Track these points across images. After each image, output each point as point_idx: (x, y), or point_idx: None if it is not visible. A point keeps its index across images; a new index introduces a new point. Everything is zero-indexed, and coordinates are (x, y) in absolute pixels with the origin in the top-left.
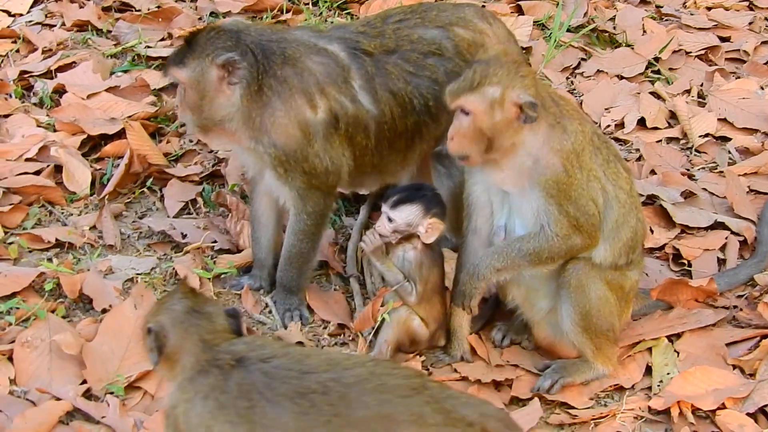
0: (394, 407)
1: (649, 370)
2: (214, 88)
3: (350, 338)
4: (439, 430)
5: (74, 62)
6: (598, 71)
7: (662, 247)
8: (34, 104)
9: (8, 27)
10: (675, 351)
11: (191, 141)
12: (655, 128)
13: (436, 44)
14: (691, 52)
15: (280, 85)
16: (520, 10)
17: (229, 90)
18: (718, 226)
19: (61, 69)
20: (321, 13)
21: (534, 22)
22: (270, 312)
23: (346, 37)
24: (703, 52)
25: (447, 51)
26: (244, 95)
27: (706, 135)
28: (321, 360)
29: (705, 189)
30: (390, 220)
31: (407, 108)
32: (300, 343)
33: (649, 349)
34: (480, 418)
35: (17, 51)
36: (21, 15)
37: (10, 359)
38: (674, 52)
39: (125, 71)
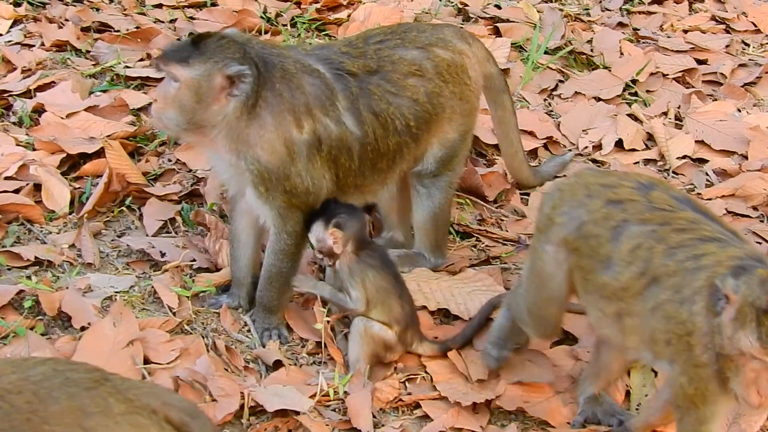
0: (82, 399)
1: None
2: (213, 96)
3: (329, 357)
4: (124, 418)
5: (53, 82)
6: (576, 93)
7: None
8: (14, 123)
9: None
10: (652, 370)
11: (170, 161)
12: (633, 150)
13: (416, 65)
14: (668, 75)
15: (274, 100)
16: (497, 32)
17: (226, 100)
18: None
19: (41, 88)
20: (299, 34)
21: (512, 44)
22: (249, 331)
23: (331, 57)
24: (680, 74)
25: (427, 72)
26: (238, 107)
27: (684, 157)
28: (4, 363)
29: None
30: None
31: (389, 129)
32: (278, 362)
33: (628, 372)
34: (162, 406)
35: None
36: (0, 35)
37: None
38: (651, 74)
39: (104, 91)
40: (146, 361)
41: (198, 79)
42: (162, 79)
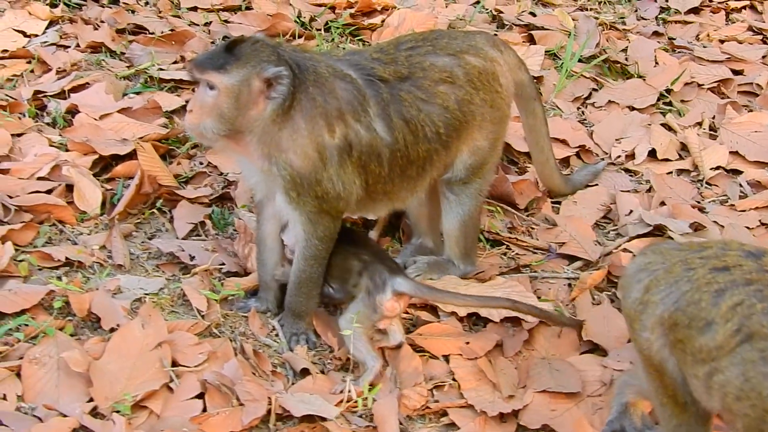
0: None
1: None
2: (252, 100)
3: (356, 364)
4: None
5: (87, 83)
6: (610, 102)
7: None
8: (47, 124)
9: (23, 47)
10: None
11: (201, 163)
12: (666, 160)
13: (447, 72)
14: (703, 85)
15: (308, 103)
16: (531, 40)
17: (264, 104)
18: None
19: (75, 90)
20: (333, 39)
21: (546, 51)
22: (277, 335)
23: (362, 63)
24: (715, 84)
25: (458, 79)
26: (275, 110)
27: (718, 168)
28: None
29: (715, 222)
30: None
31: (419, 135)
32: (305, 369)
33: None
34: None
35: (31, 71)
36: (36, 36)
37: (18, 375)
38: (686, 84)
39: (138, 93)
40: (174, 363)
41: (237, 84)
42: (193, 89)
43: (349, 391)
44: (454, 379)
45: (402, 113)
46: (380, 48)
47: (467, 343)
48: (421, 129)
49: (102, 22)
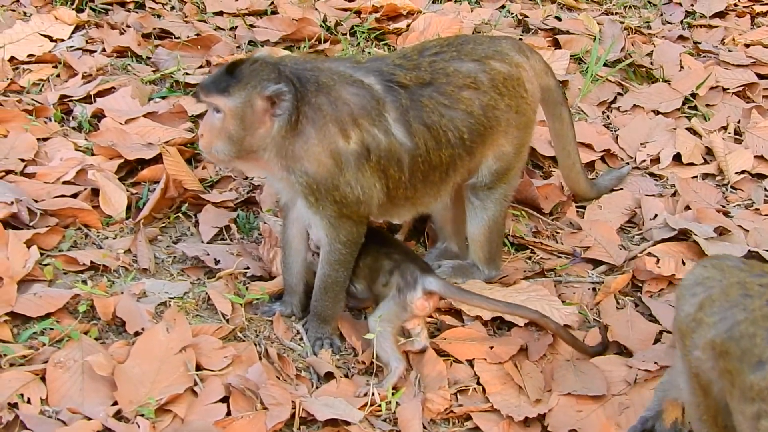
0: None
1: None
2: (258, 120)
3: (380, 368)
4: None
5: (113, 87)
6: (635, 106)
7: None
8: (73, 128)
9: (49, 52)
10: None
11: (227, 168)
12: (691, 164)
13: (471, 77)
14: (728, 89)
15: (314, 113)
16: (557, 44)
17: (270, 122)
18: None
19: (101, 94)
20: (358, 43)
21: (571, 56)
22: (301, 339)
23: (383, 69)
24: (740, 88)
25: (483, 84)
26: (283, 126)
27: (743, 172)
28: None
29: (740, 226)
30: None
31: (442, 141)
32: (329, 373)
33: None
34: None
35: (58, 76)
36: (62, 40)
37: (43, 379)
38: (711, 88)
39: (163, 97)
40: (198, 367)
41: (240, 106)
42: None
43: (373, 395)
44: (478, 383)
45: (423, 119)
46: (403, 54)
47: (492, 347)
48: (444, 134)
49: (128, 26)
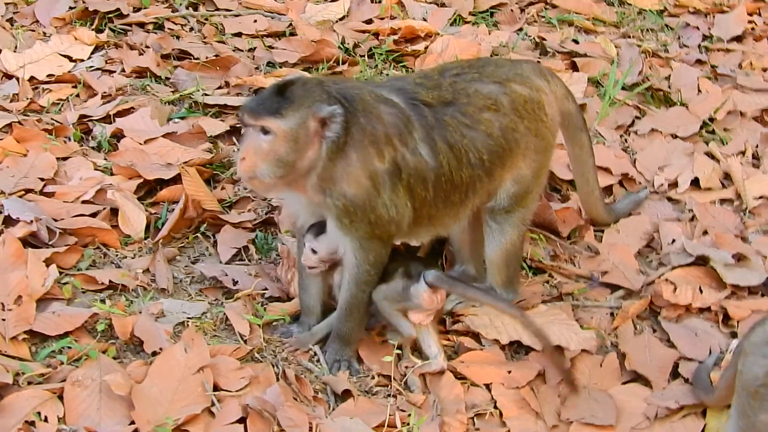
0: None
1: None
2: (309, 142)
3: (397, 390)
4: None
5: (133, 108)
6: (653, 130)
7: (710, 308)
8: (93, 148)
9: (69, 72)
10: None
11: (245, 188)
12: (709, 189)
13: (492, 99)
14: (746, 113)
15: (359, 135)
16: (574, 67)
17: (319, 143)
18: None
19: (120, 114)
20: (377, 65)
21: (588, 79)
22: (318, 360)
23: (406, 88)
24: (758, 113)
25: (503, 106)
26: (331, 148)
27: (761, 197)
28: None
29: (758, 252)
30: (314, 251)
31: (463, 161)
32: (347, 391)
33: (704, 412)
34: None
35: (77, 96)
36: (82, 60)
37: (61, 398)
38: (729, 112)
39: (182, 118)
40: (216, 387)
41: (294, 128)
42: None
43: (392, 416)
44: (495, 407)
45: (446, 138)
46: (424, 74)
47: (509, 371)
48: (465, 154)
49: (147, 47)
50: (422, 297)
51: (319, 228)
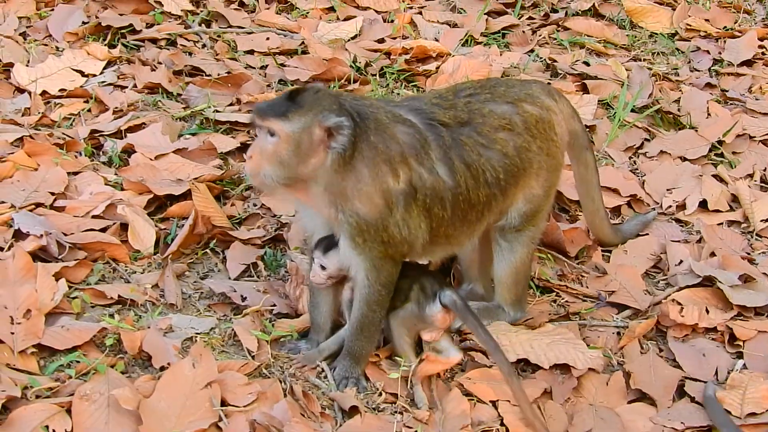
0: None
1: None
2: (313, 149)
3: (404, 408)
4: None
5: (144, 123)
6: (662, 152)
7: (716, 329)
8: (103, 163)
9: (81, 87)
10: None
11: (255, 205)
12: (717, 211)
13: (506, 119)
14: (755, 137)
15: (369, 152)
16: (585, 89)
17: (324, 153)
18: None
19: (131, 129)
20: (388, 84)
21: (599, 101)
22: (326, 377)
23: (422, 108)
24: (767, 137)
25: (517, 126)
26: (336, 160)
27: None
28: None
29: (765, 274)
30: (323, 267)
31: (480, 180)
32: (354, 407)
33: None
34: None
35: (89, 111)
36: (94, 76)
37: (69, 411)
38: (738, 136)
39: (193, 134)
40: (223, 403)
41: (297, 132)
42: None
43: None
44: (501, 424)
45: (463, 157)
46: (439, 94)
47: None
48: (482, 174)
49: (159, 63)
50: (437, 317)
51: (327, 243)
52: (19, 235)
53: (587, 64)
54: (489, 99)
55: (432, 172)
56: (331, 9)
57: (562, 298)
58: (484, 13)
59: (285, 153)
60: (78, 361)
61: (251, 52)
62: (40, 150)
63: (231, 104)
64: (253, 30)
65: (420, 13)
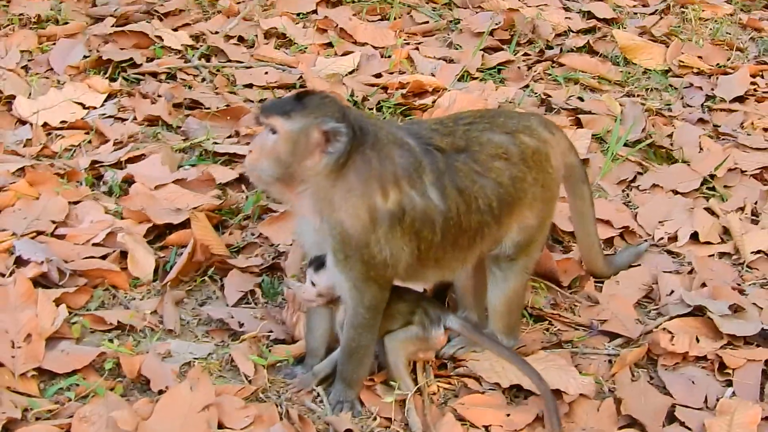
0: None
1: None
2: (309, 151)
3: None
4: None
5: (144, 154)
6: (654, 185)
7: (706, 357)
8: (104, 192)
9: (82, 119)
10: None
11: (253, 234)
12: (708, 243)
13: (503, 148)
14: (746, 171)
15: (363, 165)
16: (579, 123)
17: (319, 157)
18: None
19: (131, 160)
20: (384, 117)
21: (592, 135)
22: (321, 401)
23: (421, 132)
24: (758, 171)
25: (513, 156)
26: (329, 165)
27: (759, 252)
28: None
29: (755, 304)
30: (314, 284)
31: (472, 207)
32: (349, 430)
33: None
34: None
35: (89, 142)
36: (95, 108)
37: None
38: (730, 170)
39: (193, 165)
40: (220, 425)
41: (296, 131)
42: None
43: None
44: None
45: (456, 183)
46: (439, 120)
47: (508, 415)
48: (474, 201)
49: (159, 96)
50: (439, 340)
51: (320, 262)
52: (20, 262)
53: (581, 99)
54: (487, 128)
55: (424, 195)
56: (329, 45)
57: (555, 327)
58: (480, 49)
59: (283, 150)
60: (77, 384)
61: (250, 85)
62: (42, 179)
63: (230, 136)
64: (251, 65)
65: (417, 48)
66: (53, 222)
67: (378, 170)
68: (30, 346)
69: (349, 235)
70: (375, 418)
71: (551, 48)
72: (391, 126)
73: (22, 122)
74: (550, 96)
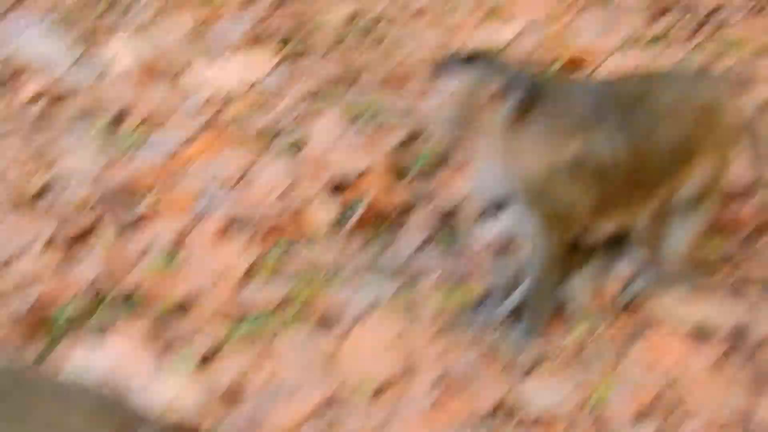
0: None
1: None
2: (487, 103)
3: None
4: None
5: (318, 114)
6: None
7: None
8: (281, 151)
9: (252, 85)
10: None
11: (431, 182)
12: None
13: (683, 96)
14: None
15: (542, 115)
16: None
17: (498, 108)
18: None
19: (305, 119)
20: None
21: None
22: (507, 335)
23: (598, 83)
24: None
25: (693, 104)
26: (508, 116)
27: None
28: None
29: None
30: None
31: (652, 152)
32: (537, 363)
33: None
34: None
35: (262, 105)
36: (266, 74)
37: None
38: None
39: (367, 120)
40: (409, 361)
41: (474, 85)
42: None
43: None
44: None
45: (637, 129)
46: (617, 76)
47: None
48: (655, 146)
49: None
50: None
51: (501, 208)
52: (202, 217)
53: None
54: (666, 76)
55: (604, 141)
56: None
57: (740, 270)
58: (641, 19)
59: (462, 103)
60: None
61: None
62: (219, 141)
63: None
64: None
65: (575, 20)
66: (232, 179)
67: (558, 118)
68: (221, 289)
69: (532, 181)
70: (559, 353)
71: (716, 12)
72: (565, 77)
73: (195, 89)
74: (714, 63)
